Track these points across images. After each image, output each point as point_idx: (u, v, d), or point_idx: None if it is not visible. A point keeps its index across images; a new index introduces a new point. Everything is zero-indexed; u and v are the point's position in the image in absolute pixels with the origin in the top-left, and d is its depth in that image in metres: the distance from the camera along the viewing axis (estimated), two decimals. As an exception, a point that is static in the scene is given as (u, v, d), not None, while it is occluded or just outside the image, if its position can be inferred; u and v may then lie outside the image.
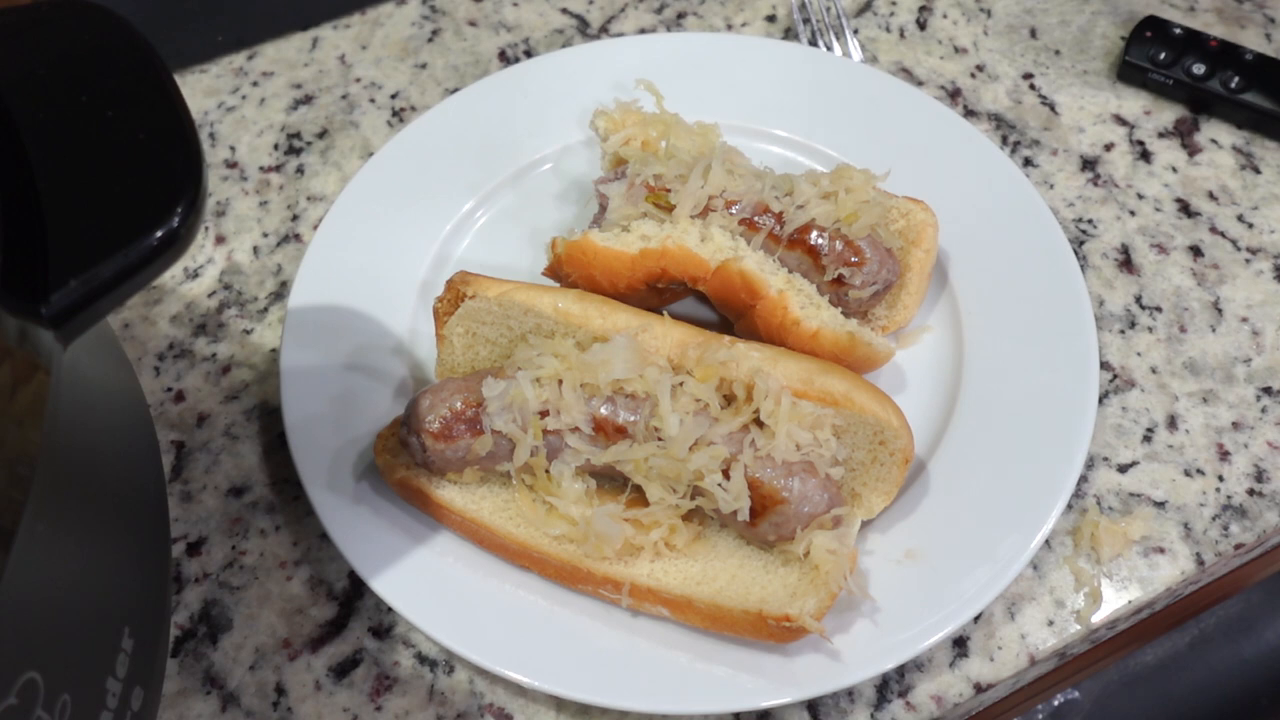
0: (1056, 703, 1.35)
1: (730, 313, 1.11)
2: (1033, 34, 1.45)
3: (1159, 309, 1.19)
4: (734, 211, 1.08)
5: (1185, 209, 1.27)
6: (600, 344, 0.98)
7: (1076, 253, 1.23)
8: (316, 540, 1.07)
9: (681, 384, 0.96)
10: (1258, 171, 1.30)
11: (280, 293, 1.26)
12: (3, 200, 0.60)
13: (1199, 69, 1.33)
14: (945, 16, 1.48)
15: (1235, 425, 1.11)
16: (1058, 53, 1.43)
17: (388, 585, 0.98)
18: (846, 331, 1.04)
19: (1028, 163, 1.32)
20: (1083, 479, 1.08)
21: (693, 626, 0.96)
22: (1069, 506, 1.06)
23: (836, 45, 1.42)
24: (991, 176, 1.22)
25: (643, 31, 1.48)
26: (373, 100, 1.43)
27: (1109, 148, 1.33)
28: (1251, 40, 1.42)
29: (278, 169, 1.37)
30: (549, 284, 1.13)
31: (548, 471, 0.98)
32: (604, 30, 1.49)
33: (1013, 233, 1.17)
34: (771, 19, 1.49)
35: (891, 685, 0.97)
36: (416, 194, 1.26)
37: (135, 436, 0.80)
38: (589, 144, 1.31)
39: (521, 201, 1.29)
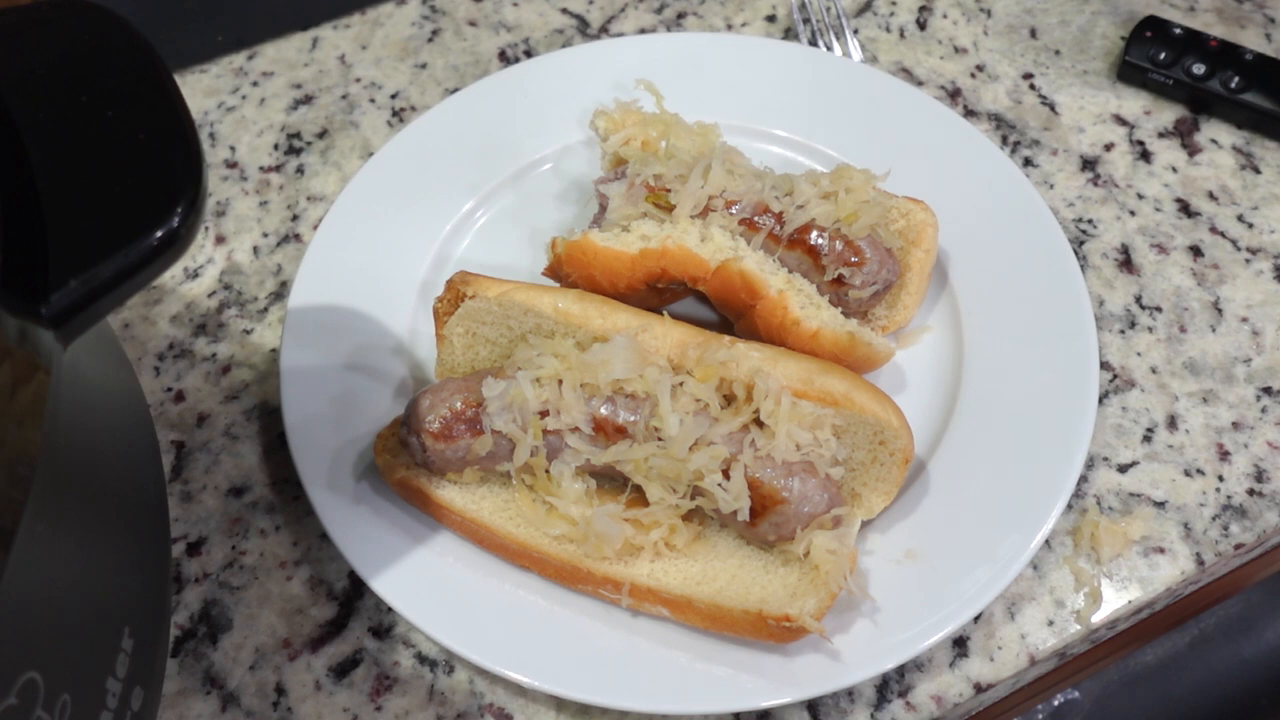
0: (1056, 703, 1.34)
1: (730, 313, 1.11)
2: (1033, 34, 1.45)
3: (1159, 309, 1.19)
4: (734, 211, 1.08)
5: (1185, 209, 1.27)
6: (600, 344, 0.97)
7: (1076, 253, 1.23)
8: (316, 540, 1.07)
9: (681, 384, 0.96)
10: (1258, 171, 1.30)
11: (280, 293, 1.26)
12: (3, 200, 0.59)
13: (1199, 69, 1.33)
14: (945, 16, 1.48)
15: (1235, 425, 1.11)
16: (1058, 53, 1.43)
17: (388, 585, 0.98)
18: (846, 331, 1.04)
19: (1028, 163, 1.32)
20: (1083, 479, 1.08)
21: (693, 626, 0.96)
22: (1069, 506, 1.06)
23: (836, 45, 1.42)
24: (991, 176, 1.22)
25: (643, 31, 1.48)
26: (373, 100, 1.43)
27: (1109, 148, 1.33)
28: (1251, 40, 1.42)
29: (278, 169, 1.37)
30: (549, 284, 1.13)
31: (548, 471, 0.98)
32: (604, 30, 1.49)
33: (1013, 233, 1.17)
34: (771, 19, 1.49)
35: (891, 685, 0.97)
36: (416, 194, 1.26)
37: (135, 436, 0.80)
38: (589, 144, 1.31)
39: (521, 201, 1.29)
